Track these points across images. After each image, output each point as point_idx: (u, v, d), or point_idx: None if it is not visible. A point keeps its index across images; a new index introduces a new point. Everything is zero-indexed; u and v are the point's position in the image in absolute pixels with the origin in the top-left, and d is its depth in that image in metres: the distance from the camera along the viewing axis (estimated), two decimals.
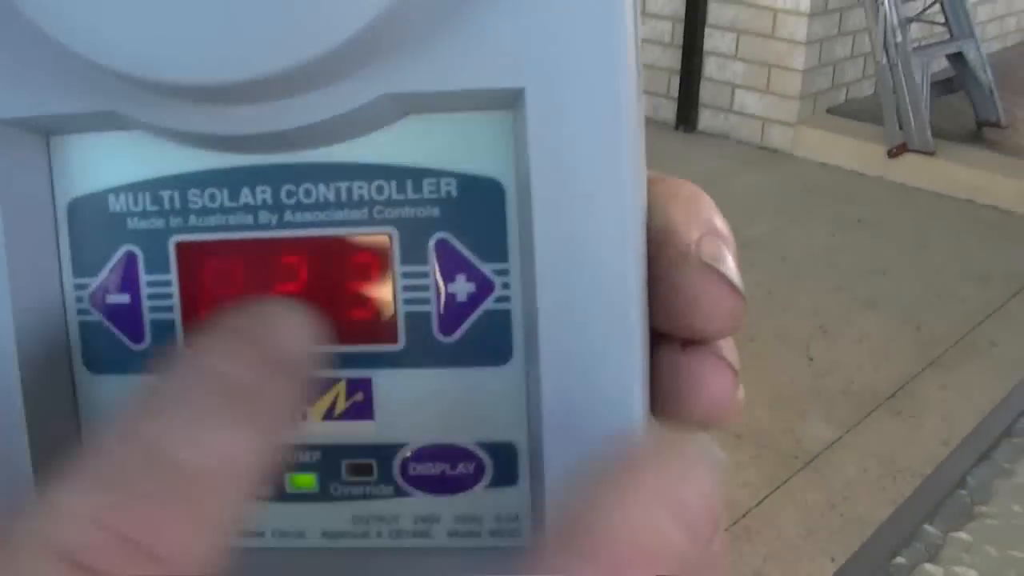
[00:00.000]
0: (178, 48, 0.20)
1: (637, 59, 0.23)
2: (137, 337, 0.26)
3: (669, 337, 0.24)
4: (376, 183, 0.24)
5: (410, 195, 0.24)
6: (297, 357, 0.22)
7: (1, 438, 0.24)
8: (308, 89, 0.22)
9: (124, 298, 0.26)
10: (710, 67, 4.06)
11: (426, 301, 0.25)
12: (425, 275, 0.25)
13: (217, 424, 0.20)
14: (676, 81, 4.10)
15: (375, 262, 0.25)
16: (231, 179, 0.25)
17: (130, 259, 0.25)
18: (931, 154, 3.69)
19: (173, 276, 0.25)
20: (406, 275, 0.25)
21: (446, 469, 0.25)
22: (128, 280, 0.25)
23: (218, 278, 0.25)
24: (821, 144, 3.87)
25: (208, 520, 0.19)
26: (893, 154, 3.72)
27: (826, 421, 2.41)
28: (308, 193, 0.25)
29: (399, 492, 0.25)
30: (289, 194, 0.25)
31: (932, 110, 3.74)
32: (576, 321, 0.23)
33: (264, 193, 0.25)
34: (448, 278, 0.25)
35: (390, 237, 0.25)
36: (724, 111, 4.06)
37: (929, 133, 3.70)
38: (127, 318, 0.26)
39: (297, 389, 0.21)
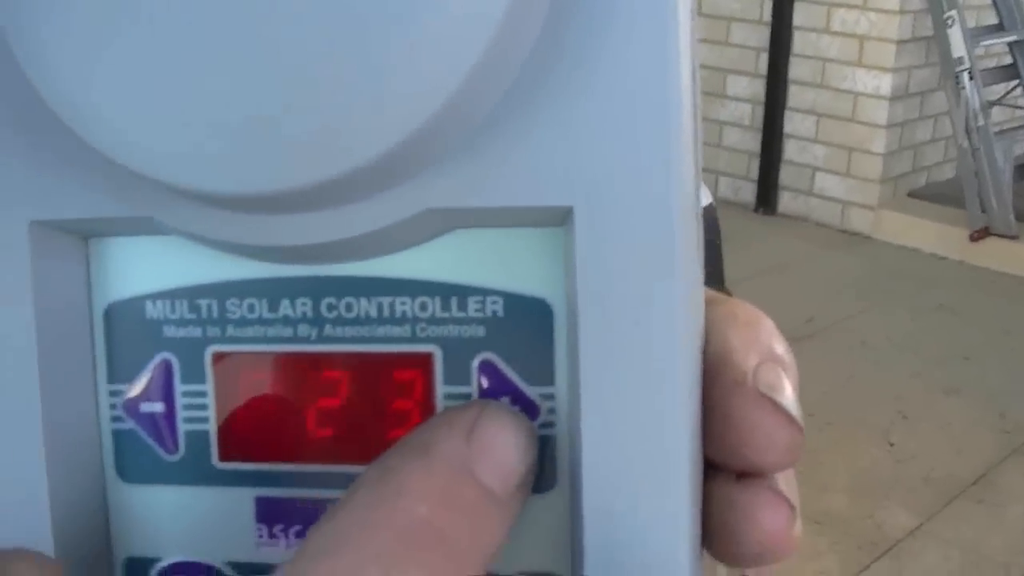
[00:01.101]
0: (216, 157, 0.20)
1: (697, 172, 0.22)
2: (171, 447, 0.25)
3: (724, 468, 0.23)
4: (420, 300, 0.24)
5: (454, 313, 0.24)
6: (509, 488, 0.21)
7: (29, 547, 0.24)
8: (348, 202, 0.21)
9: (158, 407, 0.25)
10: (790, 150, 4.06)
11: None
12: (468, 396, 0.24)
13: None
14: (756, 163, 4.10)
15: (417, 380, 0.24)
16: (270, 290, 0.24)
17: (166, 367, 0.25)
18: (1014, 238, 3.65)
19: (209, 387, 0.25)
20: (448, 396, 0.24)
21: None
22: (163, 389, 0.25)
23: (255, 390, 0.25)
24: (902, 228, 3.84)
25: None
26: (975, 238, 3.68)
27: (907, 508, 2.37)
28: (349, 307, 0.24)
29: None
30: (330, 307, 0.24)
31: (1015, 194, 3.70)
32: (622, 451, 0.22)
33: (304, 305, 0.24)
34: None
35: (432, 356, 0.24)
36: (804, 194, 4.05)
37: (1012, 217, 3.66)
38: (161, 427, 0.25)
39: (503, 527, 0.21)
